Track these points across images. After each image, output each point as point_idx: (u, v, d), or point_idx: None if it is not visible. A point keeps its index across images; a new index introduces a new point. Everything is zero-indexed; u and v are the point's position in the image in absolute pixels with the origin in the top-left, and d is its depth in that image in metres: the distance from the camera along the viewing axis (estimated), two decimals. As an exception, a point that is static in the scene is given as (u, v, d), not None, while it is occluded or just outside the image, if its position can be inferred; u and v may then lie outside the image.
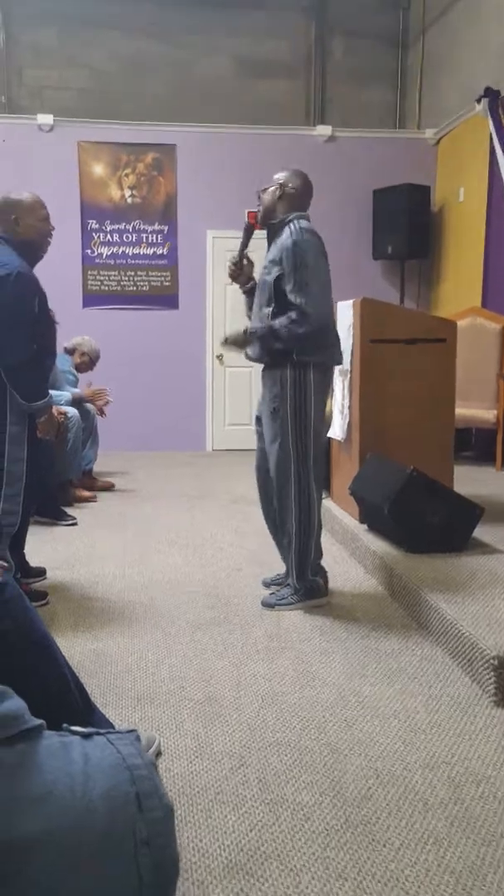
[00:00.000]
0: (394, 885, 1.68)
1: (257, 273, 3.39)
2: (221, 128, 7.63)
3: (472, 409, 6.21)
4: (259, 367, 3.36)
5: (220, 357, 7.83)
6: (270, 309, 3.18)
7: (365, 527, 4.17)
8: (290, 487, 3.27)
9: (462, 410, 5.42)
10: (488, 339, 6.56)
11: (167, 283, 7.73)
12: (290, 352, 3.15)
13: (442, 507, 3.73)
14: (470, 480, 5.07)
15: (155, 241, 7.67)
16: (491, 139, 6.60)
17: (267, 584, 3.62)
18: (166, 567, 3.96)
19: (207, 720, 2.39)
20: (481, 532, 3.89)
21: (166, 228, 7.67)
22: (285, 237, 3.15)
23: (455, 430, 4.64)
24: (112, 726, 2.06)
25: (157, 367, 7.74)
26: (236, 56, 8.05)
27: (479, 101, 6.70)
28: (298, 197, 3.28)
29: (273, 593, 3.43)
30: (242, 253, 3.42)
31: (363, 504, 4.14)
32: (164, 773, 2.09)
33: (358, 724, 2.39)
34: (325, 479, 4.35)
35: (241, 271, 3.43)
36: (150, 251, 7.68)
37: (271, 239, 3.28)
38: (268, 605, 3.36)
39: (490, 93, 6.57)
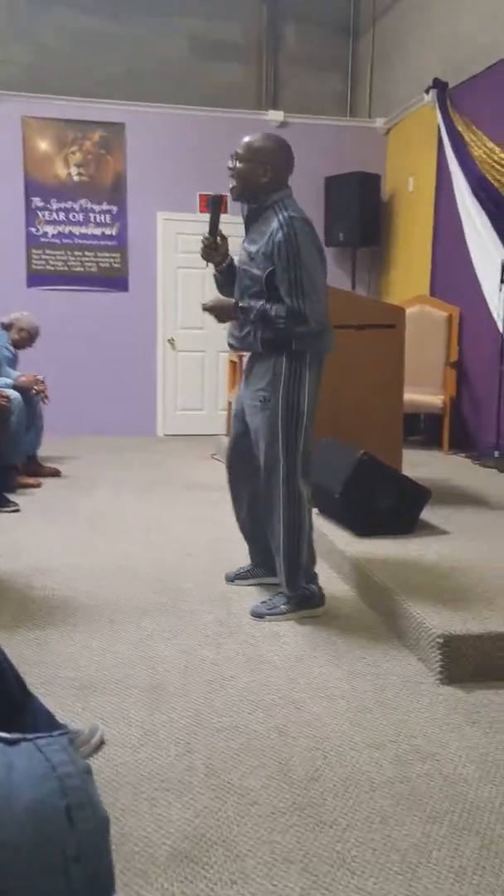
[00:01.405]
0: (340, 865, 1.67)
1: (234, 253, 3.14)
2: (172, 108, 7.53)
3: (420, 395, 6.26)
4: (216, 352, 3.21)
5: (171, 341, 7.76)
6: (262, 303, 2.91)
7: (316, 510, 4.15)
8: (277, 485, 2.99)
9: (410, 396, 5.46)
10: (436, 327, 6.61)
11: (116, 265, 7.60)
12: (288, 342, 2.90)
13: (392, 491, 3.74)
14: (418, 464, 5.11)
15: (103, 221, 7.53)
16: (439, 130, 6.63)
17: (230, 580, 3.42)
18: (114, 554, 3.90)
19: (153, 707, 2.35)
20: (429, 514, 3.92)
21: (115, 209, 7.54)
22: (275, 228, 2.83)
23: (404, 415, 4.66)
24: (52, 717, 2.01)
25: (107, 350, 7.63)
26: (189, 37, 7.93)
27: (427, 91, 6.72)
28: (284, 174, 2.96)
29: (264, 602, 3.13)
30: (215, 229, 3.04)
31: (314, 487, 4.12)
32: (107, 762, 2.05)
33: (306, 705, 2.37)
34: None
35: (214, 249, 3.07)
36: (98, 231, 7.53)
37: (252, 220, 2.99)
38: (257, 615, 3.06)
39: (438, 84, 6.60)
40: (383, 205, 7.83)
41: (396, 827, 1.79)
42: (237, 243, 3.09)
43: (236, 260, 3.12)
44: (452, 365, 6.57)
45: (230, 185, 2.97)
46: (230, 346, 3.14)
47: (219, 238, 3.06)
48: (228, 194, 2.99)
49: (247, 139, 2.97)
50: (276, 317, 2.85)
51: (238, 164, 2.94)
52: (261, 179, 2.91)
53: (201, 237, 3.10)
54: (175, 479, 5.76)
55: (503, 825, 1.80)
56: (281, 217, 2.84)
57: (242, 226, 3.07)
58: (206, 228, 3.06)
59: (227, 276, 3.14)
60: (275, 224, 2.85)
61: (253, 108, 7.98)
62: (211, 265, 3.14)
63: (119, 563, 3.75)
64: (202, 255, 3.11)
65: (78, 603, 3.22)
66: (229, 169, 2.96)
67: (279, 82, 8.27)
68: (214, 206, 3.01)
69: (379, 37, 7.97)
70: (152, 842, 1.74)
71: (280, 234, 2.81)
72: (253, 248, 2.94)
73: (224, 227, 3.10)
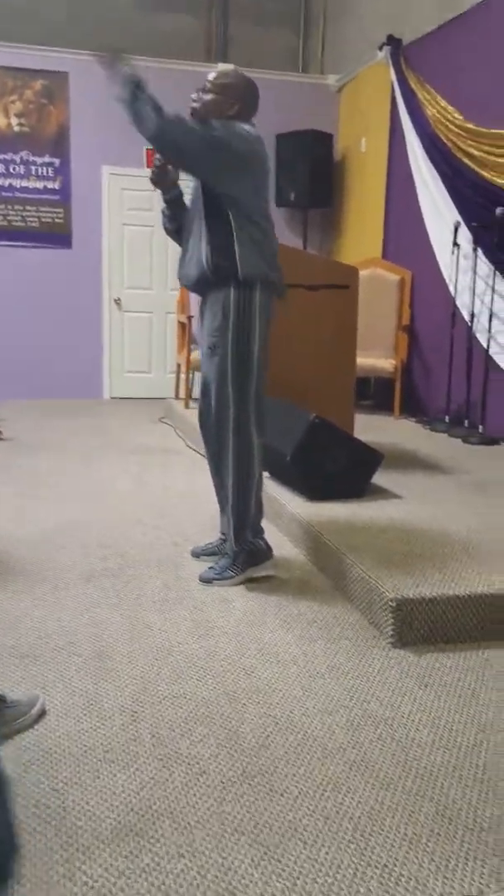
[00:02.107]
0: (291, 835, 1.61)
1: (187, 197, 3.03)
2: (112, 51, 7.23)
3: (371, 359, 6.21)
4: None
5: (117, 301, 7.55)
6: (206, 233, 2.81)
7: (266, 474, 4.08)
8: (227, 434, 2.90)
9: (362, 360, 5.40)
10: (388, 290, 6.55)
11: (59, 220, 7.32)
12: (233, 266, 2.76)
13: (343, 454, 3.69)
14: (369, 428, 5.07)
15: (46, 174, 7.23)
16: (392, 88, 6.51)
17: (196, 555, 3.24)
18: (58, 519, 3.77)
19: (98, 676, 2.27)
20: (380, 478, 3.88)
21: (58, 162, 7.25)
22: None
23: (356, 379, 4.61)
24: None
25: (50, 309, 7.39)
26: (136, -15, 7.62)
27: (381, 48, 6.58)
28: (250, 112, 2.90)
29: (211, 566, 3.05)
30: None
31: (266, 450, 4.05)
32: (48, 733, 1.96)
33: (257, 671, 2.31)
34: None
35: (164, 173, 2.98)
36: (40, 185, 7.23)
37: None
38: (205, 580, 2.98)
39: (392, 41, 6.46)
40: (335, 165, 7.69)
41: (349, 794, 1.75)
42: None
43: (187, 200, 3.03)
44: (404, 329, 6.54)
45: (190, 110, 2.86)
46: (181, 282, 3.03)
47: (170, 164, 2.98)
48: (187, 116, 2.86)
49: (215, 72, 2.91)
50: (161, 108, 2.66)
51: (204, 96, 2.86)
52: (227, 112, 2.85)
53: (155, 159, 2.99)
54: (121, 442, 5.63)
55: (457, 791, 1.77)
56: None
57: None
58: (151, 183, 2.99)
59: (174, 209, 3.07)
60: None
61: (202, 61, 7.73)
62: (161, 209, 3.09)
63: (63, 528, 3.63)
64: (151, 179, 3.02)
65: (20, 569, 3.10)
66: (193, 100, 2.87)
67: (229, 35, 8.01)
68: None
69: (332, -9, 7.78)
70: (96, 815, 1.66)
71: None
72: None
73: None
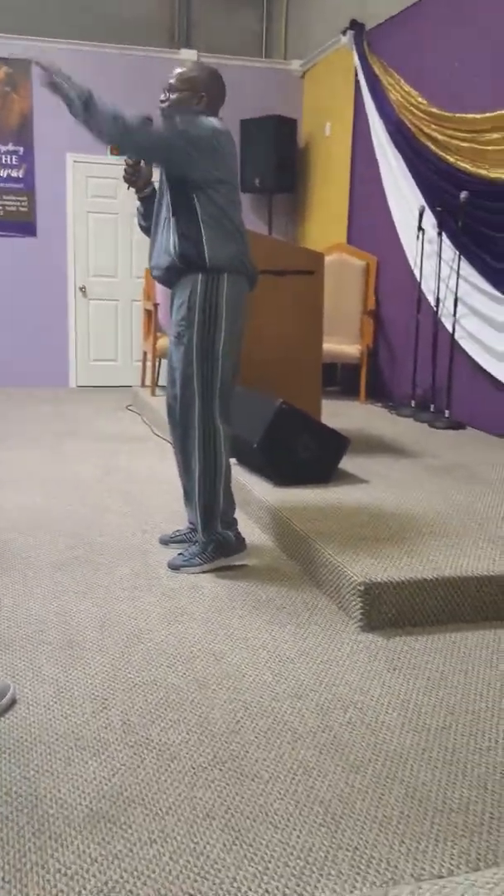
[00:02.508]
0: (263, 819, 1.62)
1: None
2: (81, 45, 7.14)
3: (337, 345, 6.23)
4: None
5: (83, 289, 7.48)
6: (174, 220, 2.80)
7: (234, 460, 4.09)
8: (193, 425, 2.89)
9: (328, 346, 5.42)
10: (353, 276, 6.57)
11: (23, 209, 7.23)
12: (201, 255, 2.76)
13: (310, 440, 3.70)
14: (336, 414, 5.09)
15: (9, 162, 7.13)
16: (356, 73, 6.50)
17: (165, 542, 3.23)
18: (25, 507, 3.74)
19: (68, 664, 2.26)
20: (347, 463, 3.91)
21: (22, 150, 7.15)
22: None
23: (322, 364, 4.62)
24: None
25: (15, 297, 7.30)
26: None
27: (344, 33, 6.56)
28: (217, 104, 2.91)
29: (181, 553, 3.05)
30: None
31: (233, 437, 4.05)
32: (19, 722, 1.95)
33: (226, 657, 2.32)
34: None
35: (137, 172, 2.98)
36: (3, 173, 7.13)
37: None
38: (173, 567, 2.98)
39: (355, 25, 6.45)
40: (300, 150, 7.67)
41: (319, 778, 1.76)
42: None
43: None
44: (369, 314, 6.56)
45: (159, 111, 2.85)
46: (153, 275, 3.00)
47: (142, 161, 2.97)
48: (158, 115, 2.85)
49: (178, 70, 2.89)
50: (116, 109, 2.60)
51: (171, 95, 2.85)
52: (194, 106, 2.84)
53: (125, 158, 2.98)
54: (88, 431, 5.59)
55: (426, 773, 1.79)
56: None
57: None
58: (118, 171, 2.99)
59: (148, 206, 3.05)
60: None
61: (165, 46, 7.65)
62: (133, 195, 3.07)
63: (30, 516, 3.60)
64: (124, 178, 3.01)
65: (-14, 559, 3.07)
66: (161, 102, 2.86)
67: (192, 20, 7.95)
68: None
69: (295, -26, 7.73)
70: (68, 803, 1.66)
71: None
72: None
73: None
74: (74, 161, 7.24)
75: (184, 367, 2.87)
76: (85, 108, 2.61)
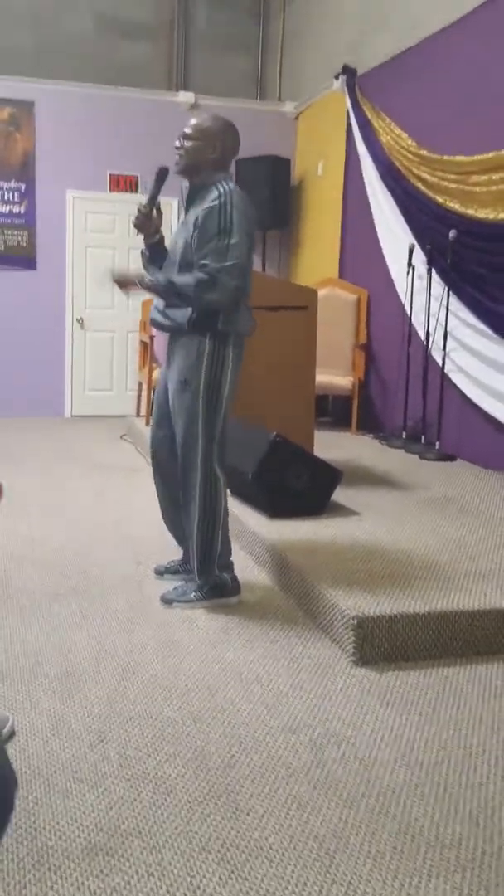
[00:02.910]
0: (258, 854, 1.65)
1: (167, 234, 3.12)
2: (82, 87, 7.30)
3: (329, 377, 6.30)
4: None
5: (80, 320, 7.56)
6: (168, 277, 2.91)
7: (228, 492, 4.13)
8: (195, 471, 2.94)
9: (320, 378, 5.47)
10: (345, 309, 6.67)
11: (24, 244, 7.35)
12: (214, 321, 2.84)
13: (304, 472, 3.75)
14: (328, 445, 5.14)
15: (11, 198, 7.27)
16: (348, 116, 6.66)
17: (160, 573, 3.26)
18: (20, 536, 3.77)
19: (65, 696, 2.29)
20: (339, 495, 3.95)
21: (23, 186, 7.29)
22: (214, 196, 2.81)
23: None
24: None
25: (14, 329, 7.37)
26: (99, 14, 7.70)
27: (337, 77, 6.73)
28: (230, 155, 2.97)
29: (175, 587, 3.07)
30: (154, 200, 3.01)
31: (226, 470, 4.10)
32: (18, 753, 1.98)
33: (221, 690, 2.35)
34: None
35: (149, 220, 3.04)
36: (5, 209, 7.27)
37: (192, 198, 2.94)
38: (166, 601, 3.00)
39: (347, 70, 6.62)
40: (293, 188, 7.81)
41: (313, 813, 1.80)
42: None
43: (167, 241, 3.10)
44: (361, 347, 6.65)
45: (175, 160, 2.95)
46: (154, 324, 3.07)
47: (155, 211, 3.05)
48: (174, 166, 2.96)
49: (195, 120, 2.98)
50: (184, 285, 2.83)
51: (186, 143, 2.92)
52: (209, 156, 2.91)
53: (138, 205, 3.06)
54: (83, 459, 5.63)
55: (419, 808, 1.83)
56: (221, 188, 2.84)
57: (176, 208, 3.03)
58: (116, 207, 3.03)
59: (154, 253, 3.11)
60: (215, 193, 2.83)
61: (163, 89, 7.83)
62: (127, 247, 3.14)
63: (25, 546, 3.63)
64: (135, 223, 3.07)
65: (-17, 590, 3.10)
66: (177, 148, 2.94)
67: (189, 63, 8.15)
68: (159, 177, 3.00)
69: (289, 20, 7.92)
70: (66, 835, 1.69)
71: (217, 201, 2.80)
72: (191, 218, 2.90)
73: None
74: (74, 197, 7.36)
75: (187, 417, 2.92)
76: (173, 295, 2.88)
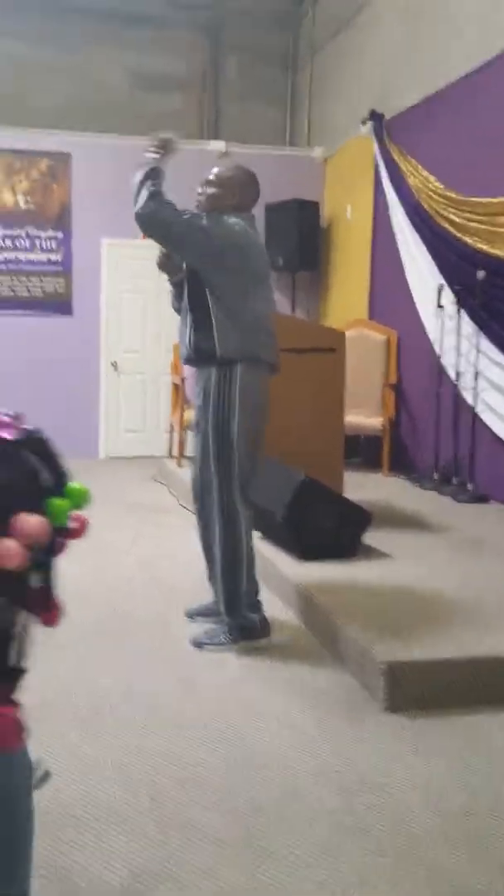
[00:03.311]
0: (286, 899, 1.66)
1: None
2: (117, 139, 7.54)
3: (359, 417, 6.33)
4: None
5: (114, 364, 7.73)
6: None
7: (258, 534, 4.16)
8: (213, 510, 2.96)
9: (350, 418, 5.52)
10: (375, 350, 6.72)
11: (61, 290, 7.59)
12: (214, 351, 2.89)
13: (333, 514, 3.77)
14: (359, 486, 5.16)
15: (49, 247, 7.53)
16: (376, 160, 6.79)
17: (191, 616, 3.27)
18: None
19: (95, 737, 2.32)
20: (370, 537, 3.95)
21: (61, 235, 7.54)
22: None
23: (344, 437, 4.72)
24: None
25: (51, 373, 7.55)
26: (132, 69, 8.01)
27: (364, 123, 6.88)
28: (249, 203, 3.09)
29: (206, 631, 3.07)
30: None
31: (256, 510, 4.13)
32: (51, 796, 2.01)
33: (249, 734, 2.37)
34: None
35: (169, 260, 3.16)
36: (43, 257, 7.52)
37: None
38: (196, 644, 3.01)
39: (374, 116, 6.77)
40: (322, 231, 7.94)
41: (341, 858, 1.80)
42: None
43: None
44: (391, 387, 6.68)
45: (195, 204, 3.07)
46: (182, 358, 3.18)
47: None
48: (193, 209, 3.07)
49: (217, 169, 3.13)
50: (148, 190, 2.93)
51: (207, 189, 3.06)
52: (228, 202, 3.03)
53: (160, 249, 3.19)
54: (116, 501, 5.70)
55: (448, 854, 1.82)
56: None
57: None
58: (149, 254, 3.17)
59: (179, 290, 3.19)
60: None
61: (195, 138, 8.05)
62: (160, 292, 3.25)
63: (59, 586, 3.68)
64: (157, 264, 3.21)
65: (17, 632, 3.15)
66: (198, 193, 3.08)
67: (220, 113, 8.40)
68: None
69: (317, 70, 8.14)
70: (98, 877, 1.71)
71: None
72: None
73: None
74: (109, 244, 7.57)
75: (201, 458, 3.01)
76: (144, 175, 2.98)
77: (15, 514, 0.83)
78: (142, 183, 2.95)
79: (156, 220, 2.91)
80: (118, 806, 1.98)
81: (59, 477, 0.91)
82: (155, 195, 2.90)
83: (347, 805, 2.01)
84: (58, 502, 0.87)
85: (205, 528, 3.09)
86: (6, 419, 0.90)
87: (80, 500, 0.94)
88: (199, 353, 2.98)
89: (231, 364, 2.92)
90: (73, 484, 0.91)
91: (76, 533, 0.96)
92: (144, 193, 2.91)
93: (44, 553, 0.89)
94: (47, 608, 0.96)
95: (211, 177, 3.09)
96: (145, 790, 2.05)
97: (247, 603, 3.03)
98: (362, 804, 2.02)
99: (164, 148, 3.11)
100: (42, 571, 0.93)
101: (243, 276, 2.95)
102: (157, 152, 3.08)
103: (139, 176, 2.99)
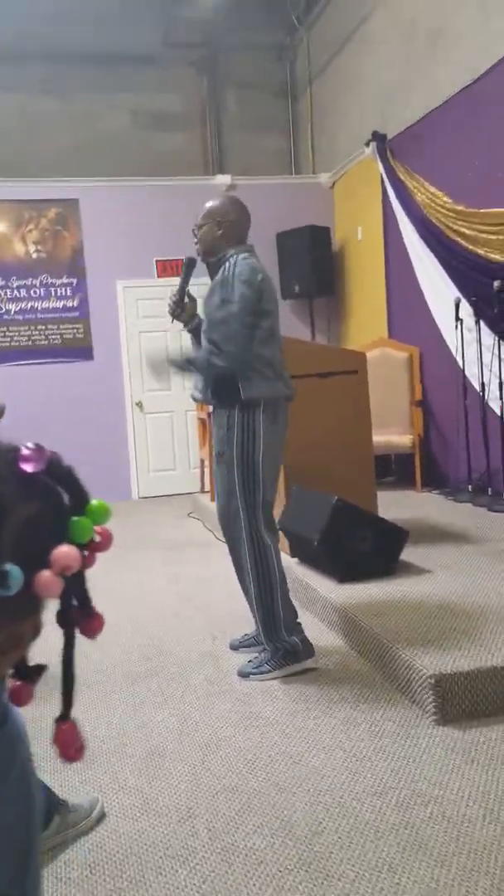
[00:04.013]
0: (352, 919, 1.65)
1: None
2: (123, 181, 7.71)
3: (389, 436, 6.34)
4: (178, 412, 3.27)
5: (139, 404, 7.81)
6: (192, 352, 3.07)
7: (296, 560, 4.17)
8: (241, 540, 3.01)
9: (379, 437, 5.54)
10: (398, 368, 6.74)
11: (80, 335, 7.69)
12: (234, 391, 2.91)
13: (369, 534, 3.77)
14: (393, 504, 5.16)
15: (64, 294, 7.64)
16: (382, 180, 6.86)
17: (235, 647, 3.32)
18: (99, 621, 3.86)
19: (151, 774, 2.33)
20: (408, 554, 3.95)
21: (75, 281, 7.66)
22: (220, 272, 2.98)
23: (375, 457, 4.73)
24: (53, 793, 2.00)
25: (77, 419, 7.65)
26: (133, 111, 8.19)
27: (367, 144, 6.97)
28: (238, 227, 3.08)
29: (250, 661, 3.10)
30: (183, 289, 3.17)
31: (292, 538, 4.15)
32: (109, 834, 2.03)
33: (304, 759, 2.37)
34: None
35: (181, 308, 3.18)
36: (59, 304, 7.63)
37: (212, 276, 3.08)
38: (243, 675, 3.04)
39: (377, 136, 6.86)
40: (335, 255, 8.02)
41: (404, 874, 1.79)
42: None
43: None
44: (418, 404, 6.68)
45: (196, 249, 3.13)
46: (193, 398, 3.21)
47: (186, 298, 3.19)
48: (197, 255, 3.15)
49: (204, 206, 3.14)
50: (199, 360, 2.97)
51: (198, 231, 3.11)
52: (216, 235, 3.06)
53: (169, 295, 3.23)
54: (153, 540, 5.75)
55: (510, 861, 1.80)
56: (229, 262, 2.98)
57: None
58: (165, 292, 3.19)
59: (197, 336, 3.23)
60: (223, 267, 2.99)
61: (200, 174, 8.21)
62: (179, 324, 3.28)
63: (104, 629, 3.71)
64: (169, 312, 3.22)
65: (66, 675, 3.18)
66: (194, 235, 3.12)
67: (223, 147, 8.56)
68: (186, 266, 3.16)
69: (316, 96, 8.28)
70: (161, 914, 1.72)
71: (221, 275, 2.96)
72: (210, 299, 3.05)
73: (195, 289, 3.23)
74: (124, 287, 7.69)
75: (226, 489, 3.02)
76: (207, 367, 2.98)
77: (47, 545, 0.87)
78: (206, 371, 2.98)
79: (243, 351, 2.90)
80: (177, 840, 1.98)
81: (80, 496, 0.96)
82: (215, 360, 2.92)
83: (406, 820, 2.00)
84: (81, 521, 0.92)
85: (236, 558, 3.11)
86: (29, 453, 0.95)
87: (101, 516, 0.98)
88: (220, 399, 3.00)
89: (254, 404, 2.95)
90: (94, 501, 0.95)
91: (102, 546, 1.00)
92: (221, 367, 2.92)
93: (75, 575, 0.94)
94: (88, 619, 1.01)
95: (199, 218, 3.13)
96: (204, 823, 2.05)
97: (286, 627, 3.03)
98: (421, 818, 2.00)
99: (160, 368, 3.21)
100: (76, 587, 0.98)
101: (269, 318, 2.97)
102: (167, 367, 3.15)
103: (206, 374, 3.02)
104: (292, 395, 3.09)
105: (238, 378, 2.92)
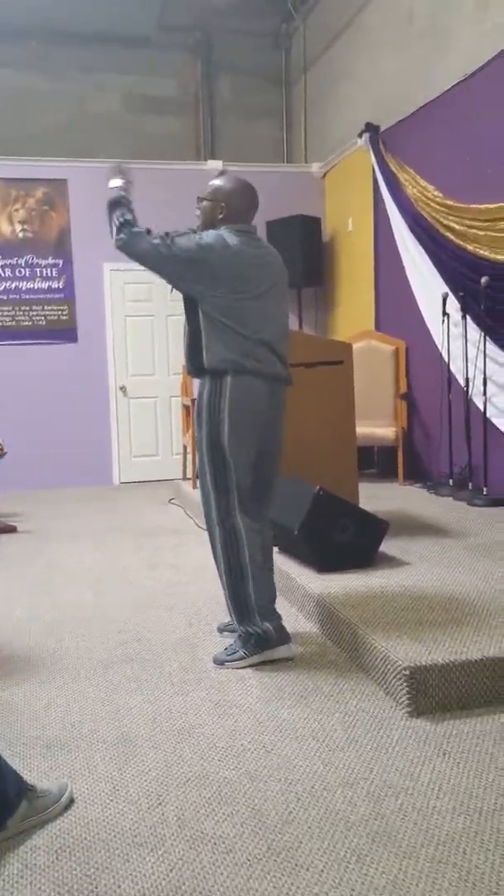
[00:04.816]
0: (318, 909, 1.65)
1: None
2: (113, 162, 7.63)
3: (372, 428, 6.35)
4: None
5: (123, 389, 7.76)
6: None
7: (276, 549, 4.16)
8: (213, 523, 2.99)
9: (363, 429, 5.54)
10: (383, 361, 6.73)
11: (64, 317, 7.62)
12: (201, 363, 2.90)
13: (350, 525, 3.77)
14: (375, 496, 5.16)
15: (49, 274, 7.57)
16: (374, 171, 6.83)
17: (220, 631, 3.32)
18: (74, 606, 3.85)
19: (122, 761, 2.32)
20: (388, 546, 3.95)
21: (61, 262, 7.58)
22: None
23: (358, 449, 4.73)
24: (21, 778, 1.98)
25: (59, 401, 7.60)
26: (125, 93, 8.11)
27: (360, 135, 6.94)
28: (240, 216, 3.01)
29: (226, 647, 3.09)
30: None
31: (273, 526, 4.13)
32: (78, 820, 2.01)
33: (276, 748, 2.36)
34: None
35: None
36: (44, 285, 7.56)
37: None
38: (218, 662, 3.02)
39: (370, 128, 6.82)
40: (324, 245, 7.99)
41: (372, 865, 1.78)
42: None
43: None
44: (402, 397, 6.69)
45: (196, 216, 3.12)
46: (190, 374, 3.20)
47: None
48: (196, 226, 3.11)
49: (211, 181, 3.14)
50: (123, 218, 3.02)
51: (201, 204, 3.10)
52: (217, 216, 3.03)
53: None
54: (132, 525, 5.72)
55: (479, 856, 1.80)
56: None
57: None
58: (152, 277, 3.16)
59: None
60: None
61: (192, 160, 8.14)
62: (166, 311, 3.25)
63: (79, 614, 3.70)
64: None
65: (40, 659, 3.16)
66: (197, 208, 3.11)
67: (216, 133, 8.49)
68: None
69: (310, 85, 8.22)
70: (127, 900, 1.70)
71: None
72: None
73: None
74: (111, 269, 7.62)
75: (199, 469, 3.03)
76: (108, 209, 3.10)
77: None
78: (110, 216, 3.07)
79: (130, 251, 2.97)
80: (146, 828, 1.97)
81: None
82: (123, 226, 2.99)
83: (377, 812, 2.00)
84: None
85: (213, 542, 3.10)
86: None
87: None
88: (193, 364, 3.02)
89: (221, 375, 2.90)
90: None
91: None
92: (114, 225, 3.02)
93: None
94: None
95: (203, 192, 3.11)
96: (173, 811, 2.04)
97: (260, 612, 3.01)
98: (391, 809, 2.00)
99: (122, 175, 3.24)
100: None
101: (221, 287, 2.88)
102: (118, 183, 3.21)
103: (107, 210, 3.12)
104: (279, 376, 3.00)
105: (201, 344, 2.92)
